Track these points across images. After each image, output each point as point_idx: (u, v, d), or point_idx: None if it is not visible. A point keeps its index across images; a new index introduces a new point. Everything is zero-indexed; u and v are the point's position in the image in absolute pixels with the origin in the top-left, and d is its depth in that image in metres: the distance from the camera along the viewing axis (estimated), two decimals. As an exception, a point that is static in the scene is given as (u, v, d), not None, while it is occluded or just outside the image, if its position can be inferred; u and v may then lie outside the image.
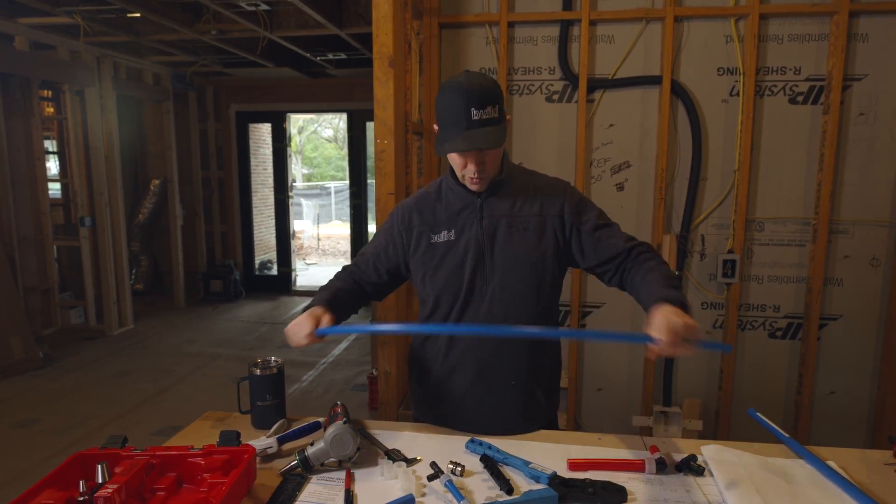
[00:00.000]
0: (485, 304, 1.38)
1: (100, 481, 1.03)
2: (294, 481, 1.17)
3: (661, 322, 1.05)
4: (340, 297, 1.40)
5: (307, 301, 7.50)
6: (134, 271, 6.92)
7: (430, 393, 1.48)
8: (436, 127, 1.33)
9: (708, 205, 2.76)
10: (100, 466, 1.05)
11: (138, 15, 4.24)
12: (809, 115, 2.64)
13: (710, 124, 2.70)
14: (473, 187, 1.36)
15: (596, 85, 2.72)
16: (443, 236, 1.39)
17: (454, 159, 1.33)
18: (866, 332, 2.73)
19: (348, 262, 1.55)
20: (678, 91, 2.67)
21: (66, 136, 5.45)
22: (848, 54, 2.55)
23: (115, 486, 0.99)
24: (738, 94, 2.66)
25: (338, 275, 1.50)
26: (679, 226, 2.76)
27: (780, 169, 2.69)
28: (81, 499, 0.99)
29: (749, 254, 2.76)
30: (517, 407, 1.43)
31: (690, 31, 2.66)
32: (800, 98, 2.64)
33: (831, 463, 1.20)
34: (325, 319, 1.29)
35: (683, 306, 1.12)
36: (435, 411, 1.48)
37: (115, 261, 5.53)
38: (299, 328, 1.27)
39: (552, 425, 1.52)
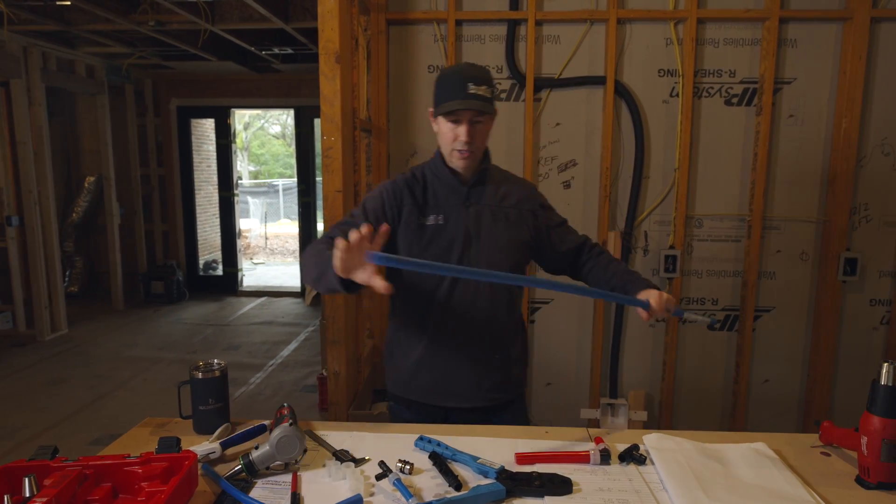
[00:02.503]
0: (470, 289, 1.47)
1: (27, 495, 0.97)
2: (238, 486, 1.14)
3: (656, 295, 1.35)
4: None
5: (254, 301, 7.22)
6: (68, 273, 6.58)
7: (411, 370, 1.53)
8: (431, 110, 1.46)
9: (650, 202, 2.84)
10: (27, 479, 0.99)
11: (68, 3, 4.03)
12: (744, 116, 2.76)
13: (651, 124, 2.79)
14: (461, 162, 1.43)
15: (543, 84, 2.77)
16: (431, 220, 1.46)
17: (446, 132, 1.42)
18: (797, 322, 2.88)
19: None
20: (622, 91, 2.74)
21: (-10, 131, 5.13)
22: (778, 58, 2.68)
23: (45, 500, 0.94)
24: (677, 95, 2.75)
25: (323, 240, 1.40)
26: (623, 223, 2.84)
27: (717, 168, 2.80)
28: (6, 514, 0.93)
29: (689, 249, 2.86)
30: (497, 378, 1.53)
31: (633, 34, 2.73)
32: (735, 100, 2.76)
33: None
34: (365, 231, 1.12)
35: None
36: (415, 384, 1.53)
37: (47, 262, 5.24)
38: (350, 261, 1.12)
39: (522, 398, 1.66)
